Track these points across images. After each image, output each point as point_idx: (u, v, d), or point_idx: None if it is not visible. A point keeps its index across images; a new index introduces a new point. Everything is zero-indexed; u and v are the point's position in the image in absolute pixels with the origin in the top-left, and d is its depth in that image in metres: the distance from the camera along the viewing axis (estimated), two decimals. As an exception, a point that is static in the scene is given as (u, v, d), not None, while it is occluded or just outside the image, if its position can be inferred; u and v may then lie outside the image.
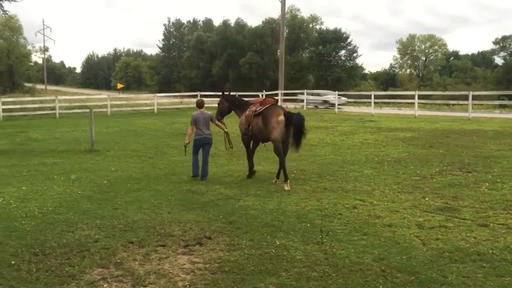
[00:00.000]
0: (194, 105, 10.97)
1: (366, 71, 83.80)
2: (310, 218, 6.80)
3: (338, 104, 31.62)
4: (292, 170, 10.68)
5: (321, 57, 62.71)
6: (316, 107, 34.77)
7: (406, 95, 32.66)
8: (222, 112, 10.52)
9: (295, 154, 13.01)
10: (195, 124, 9.94)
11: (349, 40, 65.10)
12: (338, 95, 31.90)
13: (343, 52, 65.61)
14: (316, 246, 5.62)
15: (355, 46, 65.68)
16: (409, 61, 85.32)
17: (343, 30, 64.88)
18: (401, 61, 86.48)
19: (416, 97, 25.62)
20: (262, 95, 29.52)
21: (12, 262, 5.17)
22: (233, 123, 13.08)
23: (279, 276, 4.76)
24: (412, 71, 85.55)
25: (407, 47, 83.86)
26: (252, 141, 10.08)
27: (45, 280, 4.72)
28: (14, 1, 30.53)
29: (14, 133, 19.22)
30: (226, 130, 10.32)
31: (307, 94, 35.78)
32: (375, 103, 28.44)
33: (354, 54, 66.09)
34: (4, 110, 26.98)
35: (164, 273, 4.89)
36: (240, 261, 5.17)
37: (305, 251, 5.46)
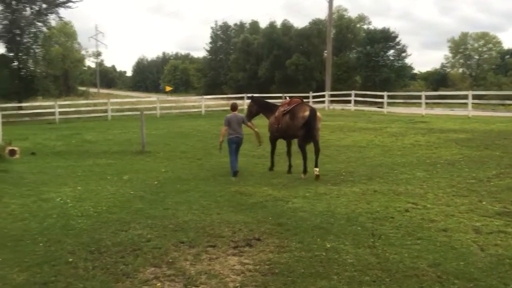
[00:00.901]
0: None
1: (415, 71, 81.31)
2: (361, 221, 6.67)
3: None
4: (341, 172, 10.54)
5: (368, 57, 61.42)
6: None
7: (459, 95, 31.51)
8: (250, 114, 11.46)
9: (344, 156, 12.90)
10: (228, 125, 10.52)
11: (397, 40, 63.44)
12: None
13: (391, 52, 63.86)
14: (367, 250, 5.50)
15: (404, 46, 63.84)
16: (461, 60, 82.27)
17: (391, 30, 63.39)
18: (452, 60, 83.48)
19: (470, 97, 24.70)
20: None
21: (70, 260, 5.36)
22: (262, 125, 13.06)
23: (330, 280, 4.69)
24: (465, 70, 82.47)
25: (459, 46, 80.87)
26: (281, 139, 10.90)
27: (101, 277, 4.86)
28: (69, 7, 31.92)
29: (69, 135, 19.98)
30: (256, 130, 10.88)
31: None
32: (425, 103, 27.68)
33: (403, 54, 64.20)
34: (60, 113, 28.21)
35: (215, 273, 4.92)
36: (290, 263, 5.13)
37: (356, 254, 5.36)
